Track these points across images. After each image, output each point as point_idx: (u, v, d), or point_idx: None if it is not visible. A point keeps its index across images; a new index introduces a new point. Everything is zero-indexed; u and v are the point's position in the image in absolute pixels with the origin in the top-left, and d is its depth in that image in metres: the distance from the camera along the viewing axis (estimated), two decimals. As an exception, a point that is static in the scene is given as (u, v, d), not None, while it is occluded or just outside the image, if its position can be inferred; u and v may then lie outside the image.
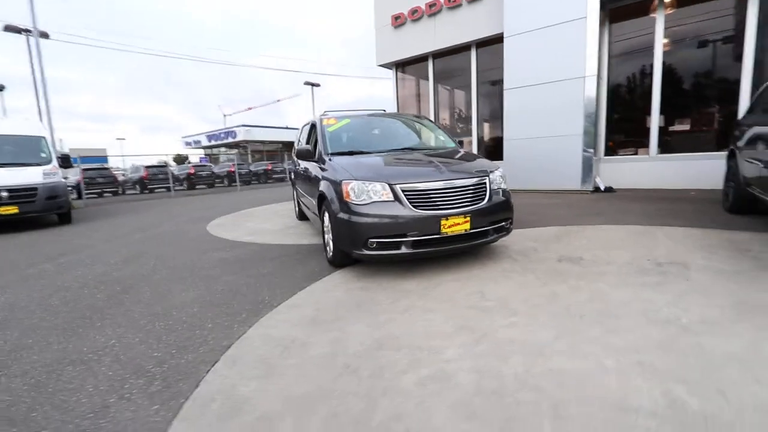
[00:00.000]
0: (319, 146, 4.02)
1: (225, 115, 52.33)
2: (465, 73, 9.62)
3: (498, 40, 8.69)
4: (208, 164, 25.80)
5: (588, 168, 7.29)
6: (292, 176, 6.24)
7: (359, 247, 3.06)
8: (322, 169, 3.82)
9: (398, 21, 9.97)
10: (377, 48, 10.63)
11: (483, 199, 3.22)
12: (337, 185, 3.26)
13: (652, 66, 7.15)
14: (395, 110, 11.02)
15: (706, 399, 1.49)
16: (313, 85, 26.76)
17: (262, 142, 36.77)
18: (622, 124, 7.83)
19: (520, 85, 7.88)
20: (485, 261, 3.48)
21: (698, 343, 1.90)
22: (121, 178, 18.11)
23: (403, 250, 3.03)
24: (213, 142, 37.69)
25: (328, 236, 3.64)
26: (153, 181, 17.82)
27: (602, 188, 7.44)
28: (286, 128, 38.78)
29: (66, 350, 2.19)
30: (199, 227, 6.39)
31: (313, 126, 4.85)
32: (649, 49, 7.18)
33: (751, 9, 6.19)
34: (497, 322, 2.28)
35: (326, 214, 3.65)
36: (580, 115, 7.21)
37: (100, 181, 15.99)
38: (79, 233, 6.52)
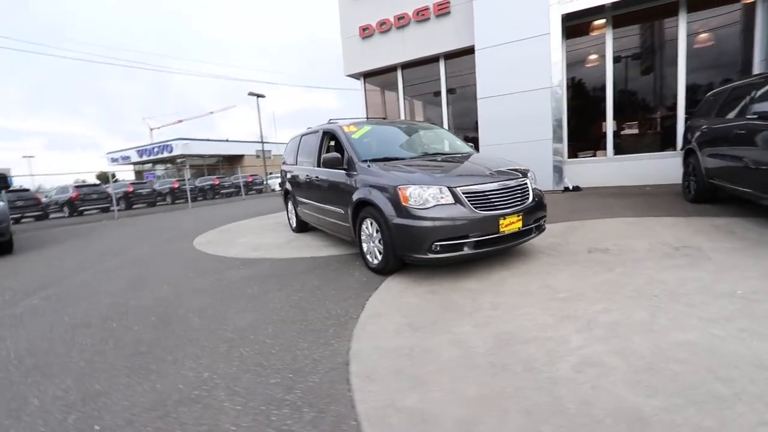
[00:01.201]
0: (348, 154, 3.94)
1: (152, 129, 48.45)
2: (434, 83, 10.02)
3: (466, 52, 9.23)
4: (151, 180, 23.56)
5: (559, 169, 7.97)
6: (288, 188, 5.99)
7: (423, 252, 3.05)
8: (352, 176, 3.77)
9: (366, 32, 10.10)
10: (344, 58, 10.65)
11: (528, 198, 3.41)
12: (390, 190, 3.22)
13: (604, 77, 8.08)
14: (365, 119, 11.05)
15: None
16: (258, 96, 25.80)
17: (201, 156, 34.49)
18: (581, 129, 8.68)
19: (493, 95, 8.41)
20: (523, 258, 3.65)
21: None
22: (44, 200, 15.75)
23: (466, 251, 3.08)
24: (145, 158, 34.48)
25: (372, 244, 3.57)
26: (85, 202, 15.78)
27: (571, 188, 8.17)
28: (227, 141, 36.89)
29: (158, 390, 1.89)
30: (184, 247, 5.83)
31: (326, 134, 4.74)
32: (601, 62, 8.10)
33: (681, 26, 7.31)
34: (589, 309, 2.42)
35: (367, 222, 3.58)
36: (549, 121, 7.89)
37: (20, 204, 13.74)
38: (35, 263, 5.60)
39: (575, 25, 8.13)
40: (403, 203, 3.11)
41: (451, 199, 3.07)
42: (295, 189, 5.74)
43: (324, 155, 3.99)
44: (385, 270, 3.45)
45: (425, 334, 2.29)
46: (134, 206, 18.14)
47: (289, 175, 6.04)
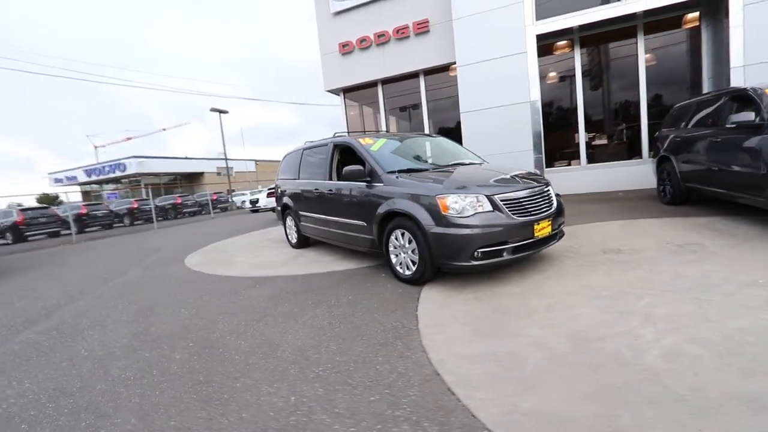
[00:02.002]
0: (370, 166, 3.93)
1: (96, 147, 45.30)
2: (415, 97, 10.29)
3: (445, 68, 9.61)
4: (108, 200, 21.79)
5: (540, 178, 8.41)
6: (288, 203, 5.82)
7: (466, 259, 3.09)
8: (375, 188, 3.78)
9: (346, 48, 10.21)
10: (324, 74, 10.67)
11: (553, 203, 3.57)
12: (428, 200, 3.25)
13: (575, 92, 8.71)
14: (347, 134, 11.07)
15: None
16: (221, 111, 25.00)
17: (157, 175, 32.59)
18: (555, 141, 9.25)
19: (475, 109, 8.77)
20: (547, 261, 3.80)
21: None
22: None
23: (505, 256, 3.16)
24: (94, 177, 31.95)
25: (403, 255, 3.56)
26: (31, 226, 14.28)
27: (551, 195, 8.63)
28: (186, 158, 35.24)
29: (250, 420, 1.74)
30: (178, 269, 5.45)
31: (336, 147, 4.70)
32: (571, 79, 8.75)
33: (640, 46, 8.10)
34: (638, 305, 2.56)
35: (397, 233, 3.57)
36: (529, 134, 8.35)
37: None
38: (4, 296, 4.96)
39: (548, 45, 8.73)
40: (443, 212, 3.14)
41: (489, 207, 3.14)
42: (296, 204, 5.59)
43: (346, 168, 3.94)
44: (420, 280, 3.43)
45: (497, 339, 2.30)
46: (87, 229, 16.68)
47: (287, 190, 5.88)
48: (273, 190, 11.22)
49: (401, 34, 9.57)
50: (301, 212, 5.48)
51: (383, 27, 9.72)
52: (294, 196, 5.65)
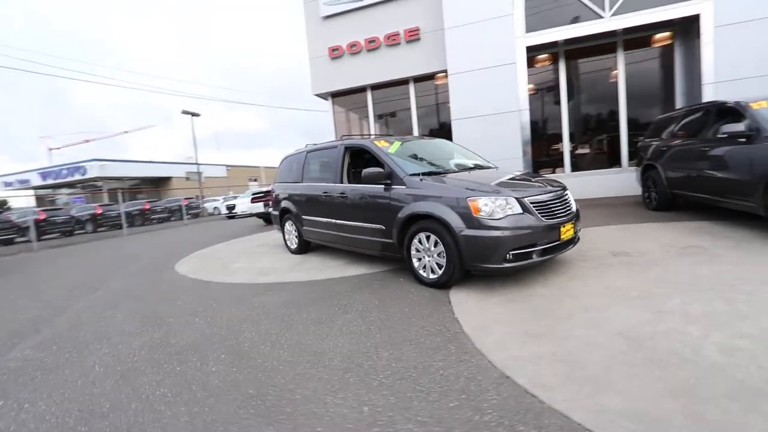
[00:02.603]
0: (390, 168, 3.87)
1: (50, 149, 42.44)
2: (404, 103, 10.36)
3: (434, 76, 9.75)
4: (72, 205, 20.24)
5: (529, 185, 8.66)
6: (289, 207, 5.63)
7: (498, 261, 3.09)
8: (395, 191, 3.75)
9: (336, 53, 10.15)
10: (312, 78, 10.53)
11: (573, 207, 3.65)
12: (458, 203, 3.23)
13: (560, 103, 9.09)
14: (335, 138, 10.96)
15: None
16: (192, 114, 24.06)
17: (120, 179, 30.80)
18: (541, 149, 9.58)
19: (466, 116, 8.93)
20: (561, 265, 3.87)
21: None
22: None
23: (534, 258, 3.19)
24: (51, 181, 29.68)
25: (428, 258, 3.52)
26: (-19, 234, 13.01)
27: (538, 201, 8.90)
28: (152, 162, 33.59)
29: None
30: (172, 276, 5.11)
31: (348, 149, 4.61)
32: (556, 90, 9.12)
33: (620, 61, 8.58)
34: (670, 303, 2.64)
35: (421, 236, 3.53)
36: (519, 141, 8.60)
37: None
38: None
39: (534, 57, 9.07)
40: (474, 215, 3.14)
41: (519, 209, 3.17)
42: (299, 208, 5.42)
43: (366, 170, 3.86)
44: (447, 283, 3.40)
45: (549, 340, 2.29)
46: (44, 237, 15.41)
47: (288, 194, 5.70)
48: (258, 195, 10.90)
49: (392, 40, 9.63)
50: (304, 216, 5.32)
51: (374, 33, 9.74)
52: (296, 200, 5.48)
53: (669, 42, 8.38)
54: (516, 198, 3.19)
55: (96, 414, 1.92)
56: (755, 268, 3.17)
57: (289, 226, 5.84)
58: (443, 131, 10.01)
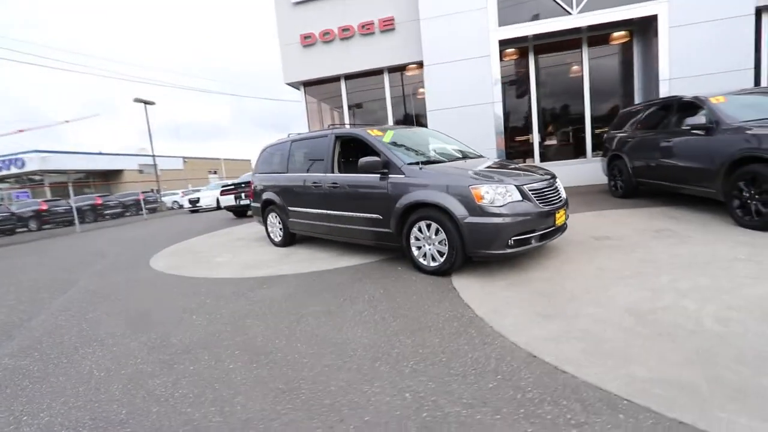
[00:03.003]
0: (387, 157, 3.86)
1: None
2: (379, 93, 10.29)
3: (412, 66, 9.76)
4: (20, 200, 18.21)
5: (503, 175, 8.95)
6: (273, 199, 5.44)
7: (501, 247, 3.18)
8: (391, 180, 3.74)
9: (308, 41, 9.85)
10: (283, 66, 10.17)
11: (562, 194, 3.83)
12: (460, 191, 3.28)
13: (530, 95, 9.43)
14: (307, 128, 10.71)
15: None
16: (146, 102, 22.45)
17: (65, 172, 28.21)
18: (511, 140, 9.91)
19: (442, 107, 9.04)
20: (550, 249, 4.05)
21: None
22: None
23: (533, 243, 3.32)
24: (-22, 175, 26.56)
25: (429, 246, 3.56)
26: None
27: (511, 191, 9.23)
28: (100, 154, 31.11)
29: (376, 423, 1.60)
30: (149, 273, 4.80)
31: (339, 138, 4.52)
32: (526, 83, 9.45)
33: (585, 56, 9.03)
34: (661, 281, 2.85)
35: (421, 225, 3.56)
36: (493, 133, 8.85)
37: None
38: None
39: (506, 50, 9.31)
40: (477, 202, 3.20)
41: (519, 197, 3.27)
42: (284, 199, 5.26)
43: (362, 160, 3.81)
44: (448, 270, 3.46)
45: (563, 319, 2.41)
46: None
47: (271, 186, 5.51)
48: (228, 188, 10.45)
49: (366, 30, 9.49)
50: (290, 208, 5.17)
51: (348, 21, 9.55)
52: (281, 191, 5.31)
53: (628, 40, 8.92)
54: (515, 186, 3.29)
55: (113, 422, 1.78)
56: (723, 246, 3.49)
57: (272, 218, 5.66)
58: (418, 122, 10.09)
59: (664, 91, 7.91)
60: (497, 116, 8.84)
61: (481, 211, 3.19)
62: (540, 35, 8.78)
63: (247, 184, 10.10)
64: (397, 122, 10.40)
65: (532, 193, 3.35)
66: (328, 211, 4.54)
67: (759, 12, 7.63)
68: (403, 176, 3.71)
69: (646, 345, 2.01)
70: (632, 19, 8.17)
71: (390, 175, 3.81)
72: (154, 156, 23.30)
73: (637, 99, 8.88)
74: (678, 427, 1.41)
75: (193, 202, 15.42)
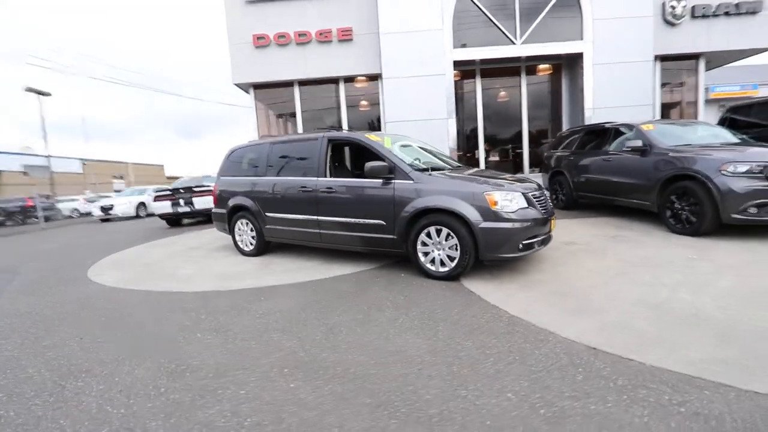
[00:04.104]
0: (393, 162, 3.84)
1: None
2: (332, 102, 10.19)
3: (367, 78, 9.88)
4: None
5: (456, 187, 9.46)
6: (246, 205, 5.01)
7: (513, 251, 3.36)
8: (396, 185, 3.75)
9: (262, 42, 9.37)
10: (233, 66, 9.51)
11: (549, 203, 4.18)
12: (474, 197, 3.40)
13: (477, 115, 10.18)
14: (257, 134, 10.11)
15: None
16: (41, 93, 19.00)
17: None
18: (460, 156, 10.54)
19: (399, 120, 9.27)
20: (537, 253, 4.34)
21: (721, 264, 3.57)
22: None
23: (536, 247, 3.57)
24: None
25: (439, 252, 3.60)
26: None
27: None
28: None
29: (498, 426, 1.55)
30: (96, 290, 4.01)
31: (331, 142, 4.36)
32: (473, 103, 10.19)
33: (523, 83, 10.08)
34: (648, 278, 3.27)
35: (430, 230, 3.59)
36: (447, 148, 9.32)
37: None
38: None
39: (456, 71, 9.96)
40: (492, 208, 3.35)
41: (525, 203, 3.50)
42: (261, 205, 4.87)
43: (369, 164, 3.73)
44: (460, 275, 3.54)
45: (592, 315, 2.62)
46: None
47: (243, 190, 5.07)
48: (165, 194, 9.29)
49: (324, 37, 9.38)
50: (269, 214, 4.80)
51: (305, 27, 9.34)
52: (256, 196, 4.91)
53: (559, 72, 10.21)
54: (522, 193, 3.52)
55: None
56: (673, 249, 4.13)
57: (242, 225, 5.18)
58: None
59: (588, 118, 9.18)
60: (451, 133, 9.36)
61: (495, 217, 3.34)
62: (487, 60, 9.58)
63: (188, 189, 9.13)
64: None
65: (536, 200, 3.62)
66: (319, 217, 4.32)
67: (656, 59, 9.35)
68: (411, 182, 3.72)
69: (677, 332, 2.28)
70: (563, 54, 9.38)
71: (395, 181, 3.79)
72: (49, 156, 19.71)
73: (565, 123, 10.14)
74: (756, 396, 1.63)
75: (106, 209, 13.35)
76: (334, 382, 1.95)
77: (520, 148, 10.41)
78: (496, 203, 3.36)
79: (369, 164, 3.77)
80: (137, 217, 13.77)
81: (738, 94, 19.61)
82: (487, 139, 10.45)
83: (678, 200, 4.88)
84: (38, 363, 2.38)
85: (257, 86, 9.99)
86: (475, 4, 9.04)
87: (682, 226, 4.82)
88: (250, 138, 10.09)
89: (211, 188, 9.15)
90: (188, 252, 5.83)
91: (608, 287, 3.13)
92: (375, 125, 10.22)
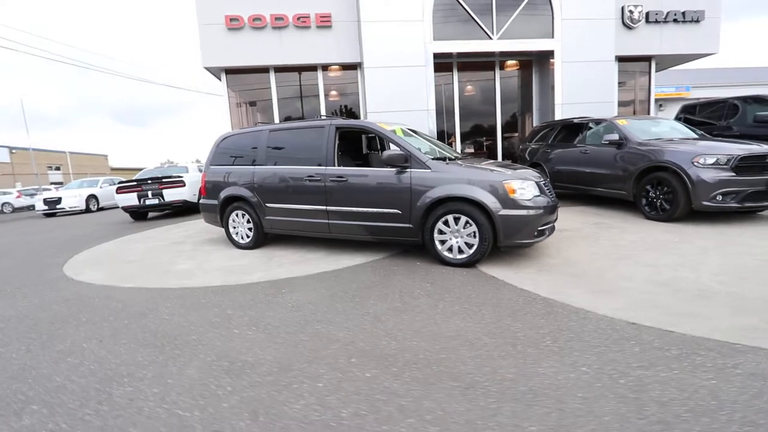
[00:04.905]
0: (408, 151, 3.86)
1: None
2: (311, 90, 9.91)
3: (345, 66, 9.70)
4: None
5: (436, 178, 9.63)
6: (243, 195, 4.77)
7: (530, 236, 3.53)
8: (413, 174, 3.78)
9: (235, 23, 8.84)
10: (202, 48, 8.88)
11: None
12: (493, 185, 3.51)
13: (453, 107, 10.39)
14: (229, 122, 9.59)
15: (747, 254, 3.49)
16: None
17: None
18: (437, 146, 10.71)
19: (382, 110, 9.21)
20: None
21: (702, 246, 3.99)
22: None
23: (546, 234, 3.76)
24: None
25: (456, 240, 3.68)
26: None
27: (441, 193, 10.00)
28: None
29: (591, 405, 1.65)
30: (83, 291, 3.65)
31: (338, 130, 4.27)
32: (451, 95, 10.38)
33: (497, 77, 10.43)
34: (650, 259, 3.56)
35: (448, 218, 3.66)
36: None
37: None
38: None
39: (437, 63, 10.07)
40: (510, 195, 3.48)
41: (538, 191, 3.67)
42: (261, 195, 4.66)
43: (387, 153, 3.70)
44: (478, 261, 3.65)
45: (616, 293, 2.83)
46: None
47: (241, 180, 4.83)
48: (130, 185, 8.55)
49: (302, 22, 9.05)
50: (270, 204, 4.61)
51: (282, 10, 8.94)
52: (255, 186, 4.69)
53: (529, 68, 10.66)
54: (535, 181, 3.69)
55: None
56: (655, 233, 4.54)
57: (237, 217, 4.94)
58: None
59: (558, 113, 9.71)
60: (432, 123, 9.47)
61: (514, 204, 3.48)
62: (464, 54, 9.77)
63: (156, 180, 8.48)
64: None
65: (546, 189, 3.80)
66: (328, 207, 4.23)
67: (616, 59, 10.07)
68: (429, 171, 3.75)
69: (695, 305, 2.54)
70: (534, 51, 9.80)
71: (411, 170, 3.81)
72: (12, 147, 17.24)
73: (536, 117, 10.66)
74: (791, 356, 1.87)
75: (52, 202, 12.01)
76: (411, 368, 1.95)
77: (494, 140, 10.79)
78: (514, 191, 3.49)
79: (387, 153, 3.75)
80: (88, 210, 12.54)
81: (673, 95, 21.73)
82: (462, 131, 10.72)
83: (653, 189, 5.34)
84: (63, 370, 2.14)
85: (230, 71, 9.44)
86: (454, -3, 9.16)
87: (656, 213, 5.29)
88: (221, 125, 9.59)
89: (182, 178, 8.64)
90: (173, 247, 5.45)
91: (617, 269, 3.38)
92: (356, 114, 10.09)
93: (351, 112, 10.23)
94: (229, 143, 5.08)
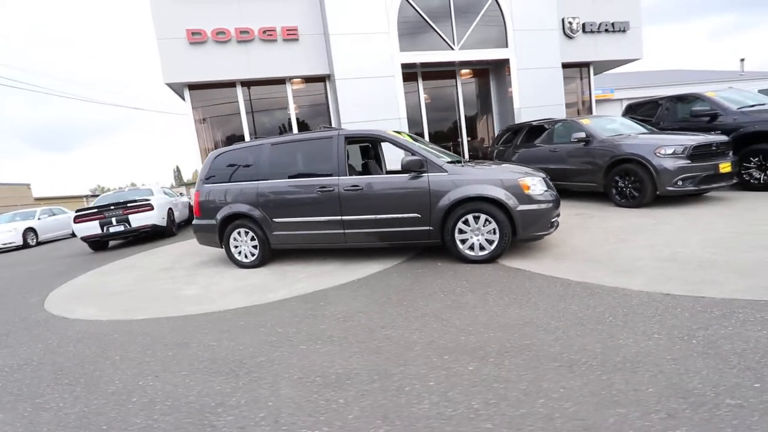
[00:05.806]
0: (423, 156, 4.00)
1: None
2: (279, 103, 9.76)
3: (315, 79, 9.69)
4: None
5: (412, 184, 9.87)
6: (247, 212, 4.59)
7: (545, 228, 3.83)
8: (429, 178, 3.93)
9: (197, 38, 8.46)
10: (163, 63, 8.38)
11: (549, 187, 4.76)
12: (511, 183, 3.76)
13: (421, 114, 10.76)
14: (194, 138, 9.12)
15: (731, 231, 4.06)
16: None
17: None
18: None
19: (354, 120, 9.29)
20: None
21: (678, 226, 4.54)
22: None
23: (556, 226, 4.07)
24: None
25: (476, 238, 3.87)
26: None
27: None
28: None
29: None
30: (95, 329, 3.30)
31: (347, 140, 4.29)
32: (417, 102, 10.76)
33: (459, 85, 11.00)
34: (643, 240, 4.01)
35: (468, 218, 3.84)
36: (401, 145, 9.67)
37: None
38: None
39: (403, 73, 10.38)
40: (525, 192, 3.74)
41: (545, 186, 3.97)
42: (267, 210, 4.52)
43: (406, 159, 3.81)
44: (498, 256, 3.86)
45: (636, 271, 3.16)
46: None
47: (242, 197, 4.65)
48: (89, 212, 7.74)
49: (268, 36, 8.91)
50: (277, 219, 4.50)
51: (247, 24, 8.74)
52: (261, 202, 4.54)
53: (486, 75, 11.37)
54: (542, 178, 3.99)
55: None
56: (634, 219, 5.06)
57: (240, 235, 4.74)
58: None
59: (517, 116, 10.44)
60: (405, 130, 9.72)
61: (529, 200, 3.75)
62: (427, 63, 10.19)
63: (120, 205, 7.80)
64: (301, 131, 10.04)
65: (552, 185, 4.13)
66: (343, 217, 4.23)
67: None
68: (445, 174, 3.91)
69: (706, 274, 2.92)
70: (491, 60, 10.50)
71: (428, 174, 3.94)
72: None
73: (496, 120, 11.36)
74: (806, 305, 2.25)
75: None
76: (507, 357, 2.06)
77: (459, 143, 11.31)
78: (528, 188, 3.76)
79: (405, 159, 3.86)
80: (26, 246, 11.11)
81: (599, 97, 24.20)
82: (430, 136, 11.11)
83: (621, 180, 5.97)
84: (135, 411, 1.95)
85: (193, 87, 9.01)
86: (416, 11, 9.54)
87: (626, 200, 5.91)
88: (186, 142, 9.14)
89: (149, 202, 8.04)
90: (164, 273, 5.07)
91: (623, 251, 3.76)
92: (328, 124, 10.06)
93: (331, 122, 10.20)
94: (225, 159, 4.88)
